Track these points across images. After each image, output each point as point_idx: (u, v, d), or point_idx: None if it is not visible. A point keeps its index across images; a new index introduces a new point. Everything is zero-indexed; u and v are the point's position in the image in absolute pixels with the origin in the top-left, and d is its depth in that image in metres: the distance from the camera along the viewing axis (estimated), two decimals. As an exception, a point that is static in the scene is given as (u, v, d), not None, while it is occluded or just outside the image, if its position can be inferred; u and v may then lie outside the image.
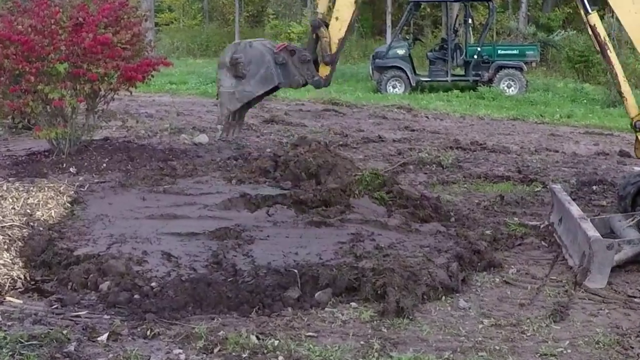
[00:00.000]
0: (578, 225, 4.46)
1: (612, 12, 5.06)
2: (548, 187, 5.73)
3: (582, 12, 5.04)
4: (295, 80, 5.07)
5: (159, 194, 6.28)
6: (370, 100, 13.76)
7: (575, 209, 4.74)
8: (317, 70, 5.07)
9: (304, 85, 5.18)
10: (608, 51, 4.98)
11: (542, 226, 5.24)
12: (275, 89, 5.24)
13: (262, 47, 5.08)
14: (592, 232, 4.24)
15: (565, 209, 4.88)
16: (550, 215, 5.32)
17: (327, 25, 5.03)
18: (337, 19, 4.97)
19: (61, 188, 5.97)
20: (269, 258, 4.35)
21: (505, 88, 15.22)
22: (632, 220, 4.75)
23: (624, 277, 4.31)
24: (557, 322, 3.72)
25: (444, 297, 4.01)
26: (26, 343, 3.34)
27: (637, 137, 5.09)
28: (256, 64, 5.00)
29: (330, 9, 5.15)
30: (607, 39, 4.98)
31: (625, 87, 5.01)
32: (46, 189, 5.84)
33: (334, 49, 5.03)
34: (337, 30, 4.99)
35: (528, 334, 3.59)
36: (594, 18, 4.99)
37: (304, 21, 19.07)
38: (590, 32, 5.03)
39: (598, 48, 5.04)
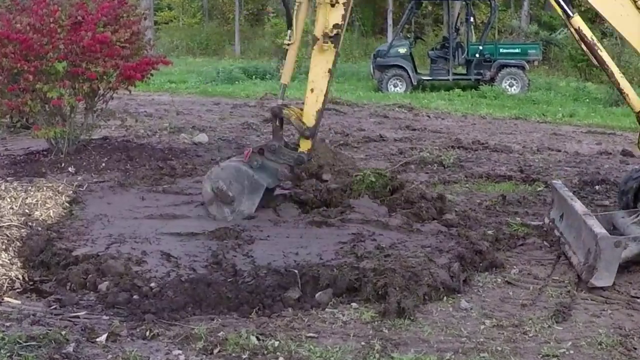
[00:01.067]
0: (583, 221, 4.39)
1: (605, 20, 4.94)
2: (550, 183, 5.68)
3: (564, 17, 4.92)
4: (280, 172, 4.97)
5: (159, 194, 6.26)
6: (372, 99, 13.74)
7: (579, 205, 4.69)
8: (296, 149, 4.99)
9: (292, 170, 5.06)
10: (598, 51, 4.86)
11: (544, 224, 5.20)
12: (270, 191, 5.13)
13: (233, 162, 5.04)
14: (599, 229, 4.16)
15: (568, 205, 4.82)
16: (550, 211, 5.27)
17: (286, 105, 4.95)
18: (312, 90, 4.83)
19: (60, 188, 5.95)
20: (269, 258, 4.33)
21: (507, 87, 15.18)
22: (637, 217, 4.68)
23: (626, 278, 4.28)
24: (559, 323, 3.70)
25: (445, 298, 3.98)
26: (24, 344, 3.32)
27: None
28: (237, 180, 4.93)
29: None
30: (594, 39, 4.87)
31: (624, 83, 4.91)
32: (45, 188, 5.81)
33: (311, 121, 4.89)
34: (313, 102, 4.86)
35: (530, 335, 3.56)
36: (578, 21, 4.86)
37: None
38: (576, 36, 4.90)
39: (587, 50, 4.91)
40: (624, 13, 4.75)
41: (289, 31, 4.95)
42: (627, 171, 5.59)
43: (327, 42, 4.76)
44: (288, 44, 4.95)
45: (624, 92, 4.92)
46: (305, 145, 4.99)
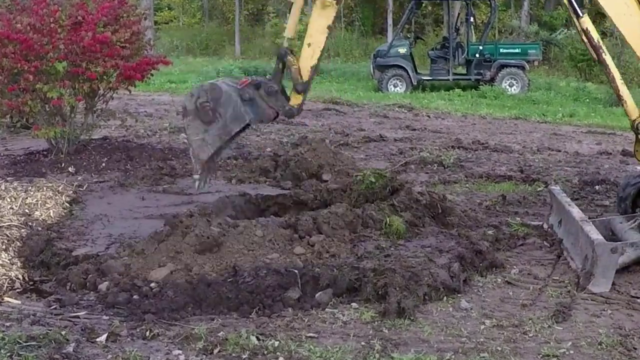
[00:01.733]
0: (580, 227, 4.39)
1: (608, 18, 4.94)
2: (548, 188, 5.67)
3: (573, 16, 4.91)
4: (266, 114, 4.81)
5: (159, 194, 6.27)
6: (372, 99, 13.74)
7: (576, 211, 4.67)
8: (288, 100, 4.85)
9: (276, 117, 4.93)
10: (603, 54, 4.86)
11: (545, 230, 5.19)
12: (247, 126, 4.96)
13: (227, 86, 4.79)
14: (596, 235, 4.16)
15: (565, 211, 4.81)
16: (549, 217, 5.26)
17: (293, 53, 4.84)
18: (309, 45, 4.77)
19: (60, 188, 5.95)
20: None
21: (507, 87, 15.18)
22: (634, 222, 4.66)
23: (626, 278, 4.27)
24: (559, 323, 3.70)
25: (445, 298, 3.98)
26: (24, 344, 3.32)
27: (637, 138, 5.01)
28: (223, 105, 4.69)
29: (297, 36, 4.99)
30: (600, 41, 4.87)
31: (623, 90, 4.90)
32: (45, 188, 5.81)
33: (305, 76, 4.81)
34: (309, 57, 4.79)
35: (530, 335, 3.56)
36: (586, 21, 4.86)
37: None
38: (583, 37, 4.90)
39: (592, 52, 4.90)
40: (628, 12, 4.76)
41: None
42: (626, 176, 5.56)
43: None
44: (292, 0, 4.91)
45: (623, 99, 4.92)
46: (295, 100, 4.87)
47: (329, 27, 4.77)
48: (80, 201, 5.91)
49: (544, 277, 4.37)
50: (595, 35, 4.86)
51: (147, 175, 6.81)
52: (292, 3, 4.90)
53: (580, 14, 4.85)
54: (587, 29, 4.85)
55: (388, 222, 4.71)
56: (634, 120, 4.92)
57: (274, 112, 4.85)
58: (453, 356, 3.32)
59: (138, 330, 3.52)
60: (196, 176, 4.90)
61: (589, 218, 4.69)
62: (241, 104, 4.74)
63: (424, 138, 9.54)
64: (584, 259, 4.25)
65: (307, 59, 4.82)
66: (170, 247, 4.24)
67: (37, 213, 5.26)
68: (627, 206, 5.23)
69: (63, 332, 3.44)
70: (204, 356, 3.29)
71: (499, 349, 3.39)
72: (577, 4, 4.86)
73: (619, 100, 5.03)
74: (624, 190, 5.32)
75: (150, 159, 7.46)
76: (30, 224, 5.01)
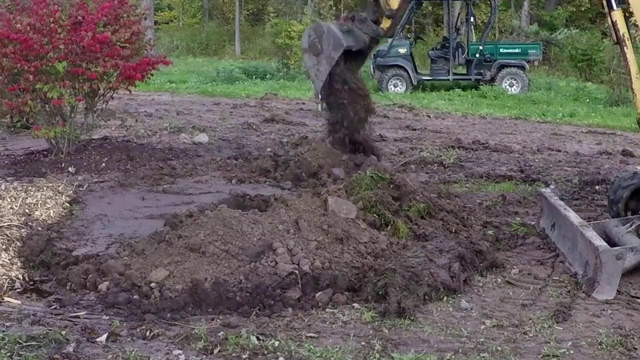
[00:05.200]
0: (580, 233, 4.33)
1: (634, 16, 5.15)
2: (538, 191, 5.63)
3: (605, 6, 5.13)
4: (361, 39, 6.09)
5: (159, 194, 6.27)
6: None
7: (573, 215, 4.62)
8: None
9: (372, 40, 6.17)
10: (625, 48, 5.10)
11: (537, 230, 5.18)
12: (351, 51, 6.12)
13: (329, 25, 6.23)
14: (599, 242, 4.09)
15: (560, 214, 4.74)
16: (540, 220, 5.23)
17: None
18: None
19: (60, 188, 5.95)
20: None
21: (508, 87, 15.18)
22: (631, 226, 4.58)
23: (627, 278, 4.27)
24: (559, 323, 3.69)
25: (445, 298, 3.98)
26: (25, 344, 3.32)
27: None
28: (326, 37, 6.04)
29: None
30: (626, 35, 5.09)
31: (637, 85, 5.11)
32: (45, 188, 5.82)
33: (395, 4, 6.01)
34: None
35: (530, 335, 3.56)
36: (617, 15, 5.09)
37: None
38: (611, 27, 5.16)
39: (617, 44, 5.16)
40: None
41: None
42: (617, 178, 5.50)
43: None
44: None
45: (635, 92, 5.14)
46: (385, 23, 6.17)
47: None
48: (80, 201, 5.91)
49: (544, 277, 4.37)
50: (622, 29, 5.11)
51: (147, 175, 6.82)
52: None
53: (614, 7, 5.09)
54: (616, 21, 5.10)
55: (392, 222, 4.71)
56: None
57: (367, 36, 6.21)
58: (453, 356, 3.31)
59: (138, 330, 3.52)
60: (318, 99, 6.49)
61: (586, 220, 4.67)
62: (340, 35, 6.07)
63: (424, 138, 9.54)
64: (584, 265, 4.20)
65: None
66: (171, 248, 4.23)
67: (37, 213, 5.26)
68: (619, 209, 5.16)
69: (63, 332, 3.44)
70: (204, 356, 3.29)
71: (499, 349, 3.39)
72: None
73: (631, 92, 5.27)
74: (615, 193, 5.24)
75: (150, 159, 7.46)
76: (30, 224, 5.01)
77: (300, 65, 17.92)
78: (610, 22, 5.15)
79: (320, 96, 6.40)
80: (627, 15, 5.15)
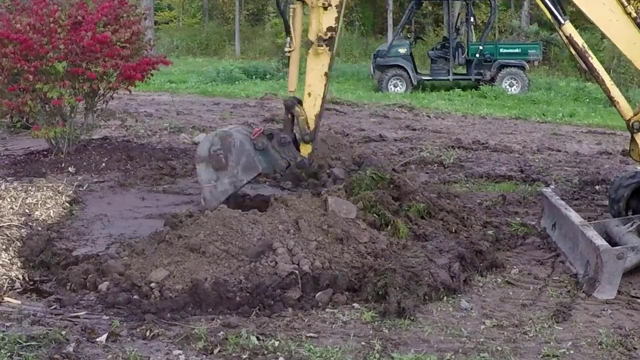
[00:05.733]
0: (581, 232, 4.33)
1: (596, 27, 4.93)
2: (539, 191, 5.63)
3: (555, 24, 4.91)
4: (278, 165, 4.90)
5: (159, 194, 6.28)
6: (372, 99, 13.74)
7: (574, 215, 4.61)
8: (299, 150, 4.94)
9: (287, 168, 4.99)
10: (590, 58, 4.85)
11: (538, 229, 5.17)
12: (258, 175, 5.07)
13: (240, 135, 4.90)
14: (600, 241, 4.09)
15: (561, 214, 4.74)
16: (541, 220, 5.22)
17: (300, 103, 4.90)
18: (309, 94, 4.83)
19: (60, 188, 5.95)
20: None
21: (508, 87, 15.17)
22: (632, 226, 4.58)
23: (627, 278, 4.26)
24: (559, 323, 3.69)
25: (445, 298, 3.98)
26: (25, 344, 3.32)
27: (633, 138, 5.01)
28: (236, 154, 4.82)
29: (298, 88, 5.02)
30: (585, 46, 4.86)
31: (614, 91, 4.91)
32: (45, 188, 5.82)
33: (311, 125, 4.86)
34: (311, 106, 4.84)
35: (530, 335, 3.56)
36: (569, 28, 4.85)
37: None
38: (567, 43, 4.90)
39: (578, 58, 4.91)
40: (613, 18, 4.73)
41: (288, 38, 4.94)
42: (618, 177, 5.49)
43: (321, 46, 4.75)
44: (289, 51, 4.95)
45: (615, 100, 4.92)
46: (305, 150, 4.96)
47: (326, 74, 4.84)
48: (80, 201, 5.91)
49: (544, 277, 4.37)
50: (579, 40, 4.85)
51: (147, 175, 6.82)
52: (289, 57, 4.92)
53: (562, 22, 4.84)
54: (570, 35, 4.85)
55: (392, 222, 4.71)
56: (629, 120, 4.91)
57: (286, 163, 4.93)
58: (453, 356, 3.31)
59: (138, 330, 3.52)
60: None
61: (586, 220, 4.66)
62: (254, 153, 4.85)
63: (424, 138, 9.54)
64: (585, 265, 4.20)
65: (310, 108, 4.87)
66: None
67: (37, 213, 5.26)
68: (620, 208, 5.16)
69: (63, 332, 3.44)
70: (204, 356, 3.29)
71: (499, 349, 3.39)
72: (558, 12, 4.83)
73: (611, 102, 5.03)
74: (616, 192, 5.23)
75: (150, 159, 7.46)
76: (30, 224, 5.01)
77: (300, 65, 17.93)
78: (564, 38, 4.88)
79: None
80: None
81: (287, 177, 6.71)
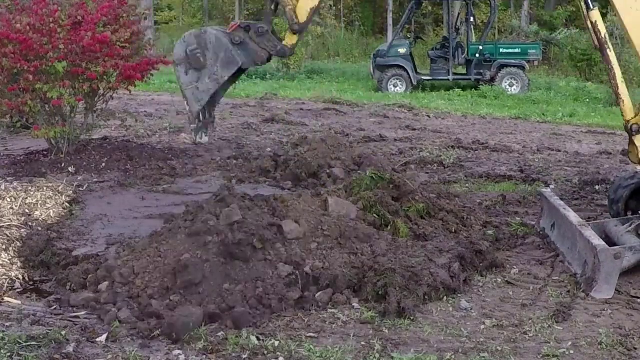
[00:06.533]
0: (579, 232, 4.33)
1: (614, 10, 4.97)
2: (538, 191, 5.63)
3: (583, 8, 4.95)
4: (259, 56, 4.80)
5: (159, 194, 6.27)
6: (372, 99, 13.74)
7: (573, 215, 4.61)
8: (280, 41, 4.84)
9: (269, 59, 4.93)
10: (607, 50, 4.90)
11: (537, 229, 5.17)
12: (241, 71, 5.00)
13: (216, 32, 4.83)
14: (597, 241, 4.10)
15: (560, 214, 4.74)
16: (540, 220, 5.22)
17: None
18: None
19: (60, 188, 5.95)
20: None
21: (508, 87, 15.18)
22: (630, 226, 4.59)
23: (626, 278, 4.27)
24: (559, 323, 3.70)
25: (445, 298, 3.98)
26: (25, 344, 3.32)
27: (631, 140, 5.01)
28: (213, 50, 4.73)
29: None
30: (607, 37, 4.90)
31: (623, 89, 4.94)
32: (45, 188, 5.81)
33: (303, 17, 4.76)
34: None
35: (530, 335, 3.56)
36: (596, 15, 4.91)
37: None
38: (591, 29, 4.94)
39: (598, 45, 4.95)
40: (635, 6, 4.77)
41: None
42: (617, 178, 5.49)
43: None
44: None
45: (621, 98, 4.95)
46: (290, 40, 4.87)
47: None
48: (80, 201, 5.91)
49: (544, 277, 4.37)
50: (602, 30, 4.89)
51: (147, 175, 6.82)
52: None
53: (591, 7, 4.90)
54: (596, 22, 4.89)
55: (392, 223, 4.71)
56: (628, 121, 4.92)
57: (266, 54, 4.85)
58: (453, 356, 3.31)
59: (138, 330, 3.52)
60: (192, 126, 4.98)
61: (584, 220, 4.66)
62: (232, 48, 4.76)
63: (424, 138, 9.54)
64: (583, 264, 4.21)
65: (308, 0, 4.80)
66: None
67: (37, 213, 5.26)
68: (619, 209, 5.16)
69: (63, 332, 3.44)
70: (204, 356, 3.29)
71: (499, 348, 3.39)
72: None
73: (616, 99, 5.06)
74: (616, 192, 5.23)
75: (150, 159, 7.46)
76: (30, 224, 5.01)
77: (300, 65, 17.93)
78: (590, 25, 4.92)
79: (197, 122, 5.01)
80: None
81: (287, 176, 6.67)
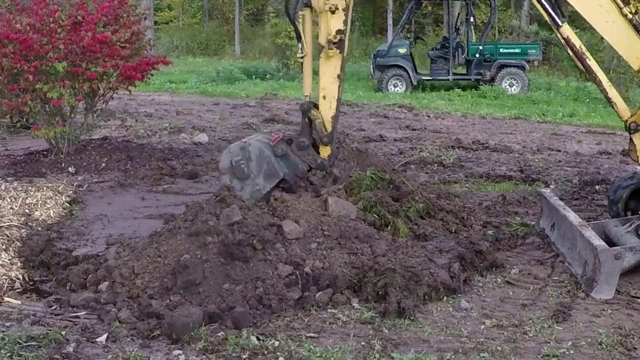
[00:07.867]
0: (579, 233, 4.33)
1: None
2: (538, 191, 5.63)
3: (552, 26, 4.93)
4: (300, 169, 4.92)
5: (159, 194, 6.28)
6: (372, 99, 13.74)
7: (573, 216, 4.61)
8: (318, 153, 4.97)
9: (309, 171, 5.04)
10: (587, 60, 4.87)
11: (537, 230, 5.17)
12: (282, 181, 5.06)
13: (259, 143, 4.95)
14: (598, 242, 4.10)
15: (560, 215, 4.74)
16: (540, 221, 5.22)
17: (316, 106, 4.93)
18: (324, 97, 4.87)
19: (60, 188, 5.95)
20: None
21: (507, 87, 15.18)
22: (630, 226, 4.58)
23: (626, 278, 4.27)
24: (559, 323, 3.70)
25: (445, 298, 3.98)
26: (25, 344, 3.33)
27: (631, 139, 5.01)
28: (257, 161, 4.86)
29: (313, 92, 5.02)
30: (583, 48, 4.88)
31: (612, 92, 4.93)
32: (45, 188, 5.82)
33: (328, 127, 4.90)
34: (327, 108, 4.89)
35: (530, 335, 3.56)
36: (566, 30, 4.87)
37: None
38: (565, 45, 4.91)
39: (576, 59, 4.93)
40: (610, 20, 4.74)
41: (300, 44, 4.98)
42: (617, 178, 5.49)
43: (332, 49, 4.82)
44: (301, 57, 4.99)
45: (612, 101, 4.94)
46: (324, 152, 4.99)
47: (338, 76, 4.87)
48: (80, 201, 5.91)
49: (544, 277, 4.37)
50: (577, 42, 4.87)
51: (147, 175, 6.82)
52: (302, 63, 4.99)
53: (560, 23, 4.86)
54: (568, 37, 4.87)
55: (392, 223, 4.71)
56: (626, 121, 4.93)
57: (306, 166, 4.97)
58: (453, 356, 3.32)
59: (138, 330, 3.52)
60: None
61: (584, 220, 4.66)
62: (275, 160, 4.88)
63: (424, 138, 9.54)
64: (583, 265, 4.21)
65: (326, 110, 4.91)
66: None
67: (37, 213, 5.26)
68: (618, 209, 5.16)
69: (63, 332, 3.45)
70: (204, 356, 3.29)
71: (499, 348, 3.39)
72: (555, 14, 4.85)
73: (609, 103, 5.05)
74: (615, 193, 5.24)
75: (150, 159, 7.47)
76: (30, 224, 5.01)
77: (300, 65, 17.91)
78: (562, 40, 4.89)
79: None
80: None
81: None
